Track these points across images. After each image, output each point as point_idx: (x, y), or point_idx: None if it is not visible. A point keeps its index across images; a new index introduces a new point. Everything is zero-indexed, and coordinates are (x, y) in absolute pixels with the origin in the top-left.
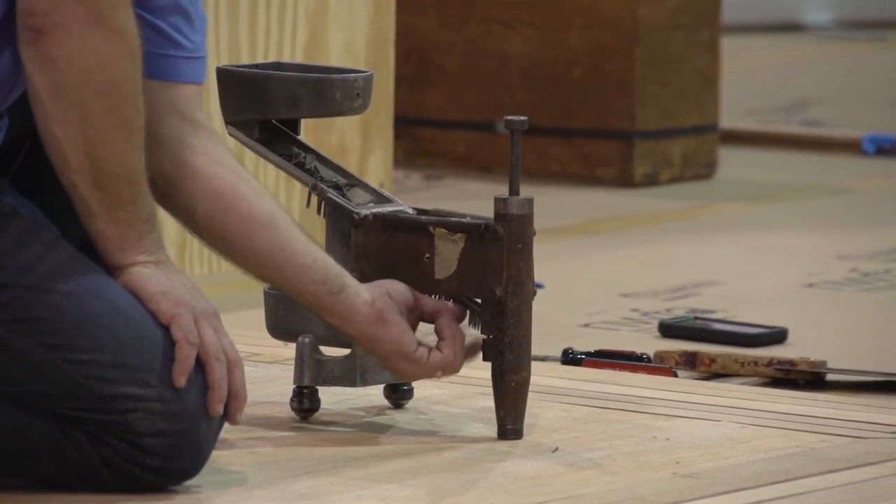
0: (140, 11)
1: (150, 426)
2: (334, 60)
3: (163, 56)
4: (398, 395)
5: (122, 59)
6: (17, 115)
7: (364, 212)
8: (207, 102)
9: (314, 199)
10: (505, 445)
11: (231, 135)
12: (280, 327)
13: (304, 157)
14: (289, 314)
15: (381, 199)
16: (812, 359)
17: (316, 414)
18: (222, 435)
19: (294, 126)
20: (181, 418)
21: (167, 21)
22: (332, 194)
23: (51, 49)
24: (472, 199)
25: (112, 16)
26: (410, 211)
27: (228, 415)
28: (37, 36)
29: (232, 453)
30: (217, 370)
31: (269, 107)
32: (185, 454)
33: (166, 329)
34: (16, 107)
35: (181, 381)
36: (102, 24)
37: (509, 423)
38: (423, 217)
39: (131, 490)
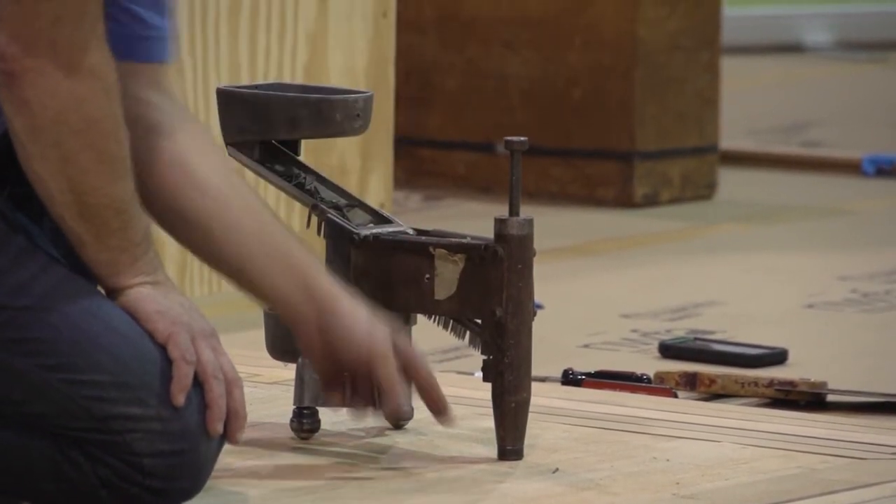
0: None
1: (149, 446)
2: (334, 81)
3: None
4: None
5: (97, 97)
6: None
7: (364, 232)
8: (208, 122)
9: (314, 219)
10: (505, 466)
11: (231, 155)
12: (280, 348)
13: (304, 178)
14: (288, 334)
15: (381, 219)
16: (812, 380)
17: (316, 434)
18: (221, 456)
19: (294, 147)
20: (180, 438)
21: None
22: (333, 215)
23: (24, 92)
24: (473, 219)
25: (83, 57)
26: (410, 231)
27: (228, 434)
28: (10, 79)
29: (231, 474)
30: (215, 389)
31: (270, 127)
32: (184, 474)
33: (164, 348)
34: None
35: (179, 399)
36: (75, 66)
37: (509, 443)
38: (423, 238)
39: None
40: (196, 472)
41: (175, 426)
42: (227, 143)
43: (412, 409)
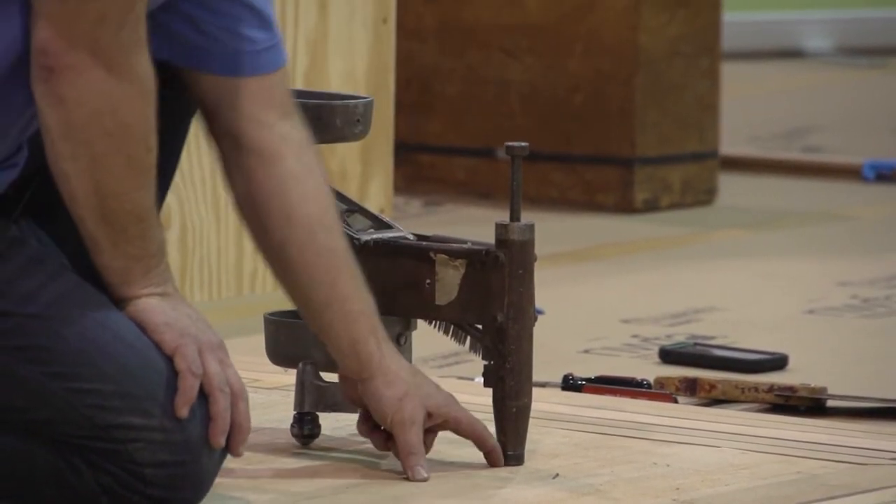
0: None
1: (151, 456)
2: (334, 87)
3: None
4: None
5: (134, 101)
6: (38, 148)
7: (365, 238)
8: None
9: None
10: (506, 471)
11: None
12: (280, 353)
13: None
14: (289, 340)
15: (382, 224)
16: (812, 385)
17: (316, 440)
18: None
19: None
20: (183, 449)
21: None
22: None
23: (62, 89)
24: (473, 224)
25: (125, 60)
26: (411, 237)
27: (231, 447)
28: (49, 75)
29: (232, 480)
30: (220, 401)
31: None
32: (186, 485)
33: (170, 360)
34: (36, 139)
35: (183, 411)
36: (115, 68)
37: (510, 448)
38: (424, 243)
39: None
40: (197, 484)
41: (177, 437)
42: None
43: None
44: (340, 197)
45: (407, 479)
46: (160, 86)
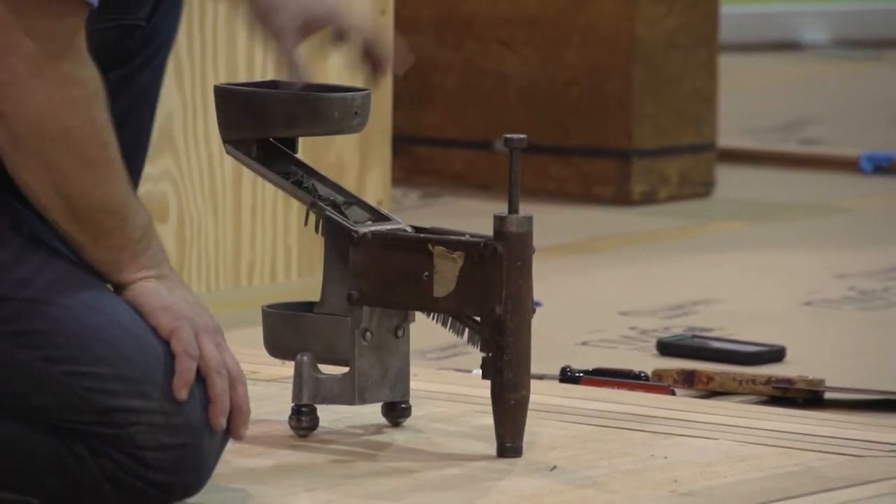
0: None
1: (152, 439)
2: (332, 79)
3: None
4: (396, 413)
5: (76, 106)
6: None
7: (362, 230)
8: (206, 120)
9: (312, 216)
10: (503, 464)
11: (229, 153)
12: (278, 345)
13: (302, 176)
14: (287, 333)
15: (379, 217)
16: (810, 377)
17: (314, 432)
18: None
19: (291, 144)
20: (183, 432)
21: None
22: (331, 212)
23: (0, 104)
24: (470, 216)
25: (57, 66)
26: (408, 229)
27: (232, 430)
28: None
29: (230, 472)
30: (218, 383)
31: (268, 125)
32: (187, 468)
33: (168, 343)
34: None
35: (182, 393)
36: (48, 75)
37: (508, 441)
38: (422, 235)
39: None
40: (199, 467)
41: (178, 420)
42: (225, 141)
43: (409, 406)
44: (338, 189)
45: (404, 471)
46: (116, 65)
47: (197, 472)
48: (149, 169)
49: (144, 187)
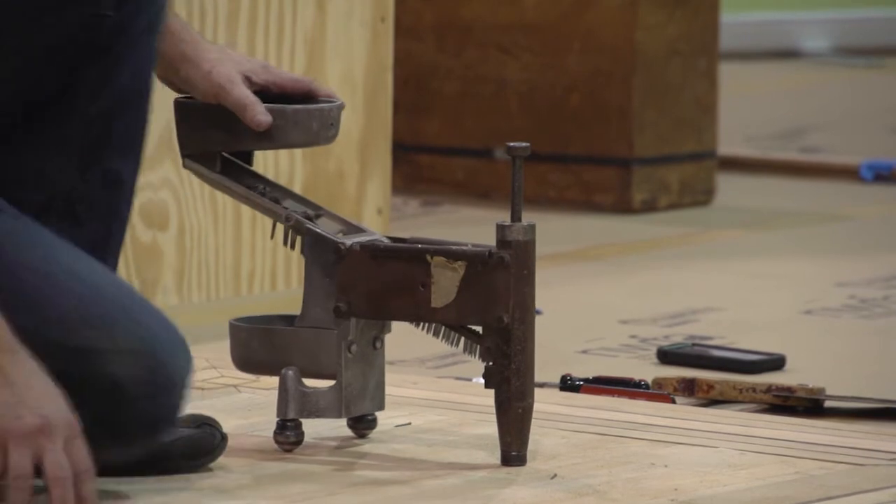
0: None
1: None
2: (333, 87)
3: None
4: (363, 425)
5: None
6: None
7: (349, 242)
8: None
9: (280, 229)
10: (503, 472)
11: (187, 167)
12: (252, 360)
13: (265, 189)
14: (264, 347)
15: (351, 228)
16: (810, 385)
17: (308, 443)
18: (218, 461)
19: (247, 158)
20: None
21: None
22: (312, 225)
23: None
24: (471, 225)
25: None
26: (385, 240)
27: None
28: None
29: (220, 481)
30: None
31: (237, 138)
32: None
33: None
34: None
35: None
36: None
37: (514, 449)
38: (420, 246)
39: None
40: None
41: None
42: (185, 155)
43: (375, 419)
44: (304, 201)
45: (404, 481)
46: (87, 61)
47: (169, 390)
48: (149, 177)
49: (144, 195)
